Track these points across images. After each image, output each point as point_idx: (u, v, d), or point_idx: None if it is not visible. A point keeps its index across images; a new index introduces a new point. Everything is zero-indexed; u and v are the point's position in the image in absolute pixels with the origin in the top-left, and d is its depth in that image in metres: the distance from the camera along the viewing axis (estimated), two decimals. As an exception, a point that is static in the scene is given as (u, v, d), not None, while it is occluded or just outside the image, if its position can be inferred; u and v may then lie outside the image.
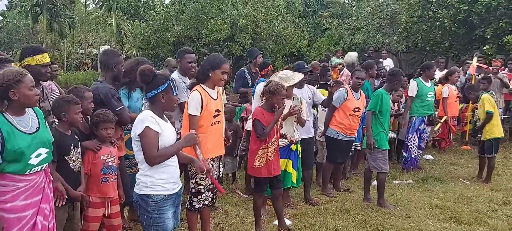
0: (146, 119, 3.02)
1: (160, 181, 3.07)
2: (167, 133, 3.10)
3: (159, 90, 3.07)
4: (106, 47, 30.91)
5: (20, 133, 2.82)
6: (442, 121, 8.10)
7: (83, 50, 30.05)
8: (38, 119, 2.99)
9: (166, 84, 3.07)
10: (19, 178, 2.84)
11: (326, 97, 5.97)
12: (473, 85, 7.62)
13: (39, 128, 2.95)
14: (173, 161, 3.18)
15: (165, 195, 3.10)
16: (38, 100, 2.95)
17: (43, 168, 2.98)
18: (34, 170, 2.91)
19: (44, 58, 3.86)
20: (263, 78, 6.06)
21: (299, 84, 5.68)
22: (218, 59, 4.19)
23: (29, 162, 2.85)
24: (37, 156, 2.88)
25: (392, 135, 7.32)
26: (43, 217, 2.98)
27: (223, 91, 5.32)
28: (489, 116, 6.95)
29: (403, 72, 6.10)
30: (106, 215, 3.86)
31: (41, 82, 3.88)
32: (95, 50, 30.81)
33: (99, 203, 3.82)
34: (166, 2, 19.46)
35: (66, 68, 25.67)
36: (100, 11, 29.55)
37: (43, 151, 2.93)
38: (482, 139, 7.13)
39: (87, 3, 30.53)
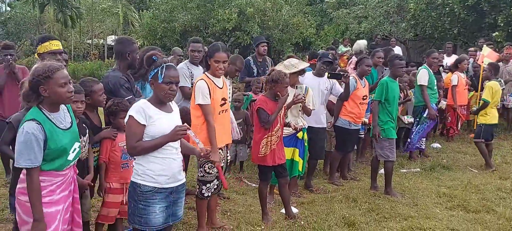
0: (134, 107, 2.96)
1: (150, 172, 2.96)
2: (159, 123, 2.96)
3: (150, 76, 3.02)
4: (113, 37, 30.98)
5: (60, 130, 2.79)
6: (438, 106, 8.06)
7: (90, 40, 30.12)
8: (69, 113, 2.97)
9: (154, 71, 2.98)
10: (56, 174, 2.82)
11: None
12: (496, 64, 7.55)
13: (72, 122, 2.94)
14: (171, 154, 3.05)
15: (155, 187, 2.97)
16: (71, 98, 2.86)
17: (75, 162, 3.00)
18: (70, 165, 2.91)
19: (51, 45, 3.94)
20: (310, 68, 6.07)
21: (318, 74, 5.67)
22: (213, 48, 4.14)
23: (68, 158, 2.85)
24: (73, 151, 2.89)
25: (410, 119, 7.28)
26: (78, 214, 3.06)
27: (230, 82, 5.34)
28: (484, 104, 6.99)
29: (399, 54, 6.02)
30: (124, 201, 3.88)
31: None
32: (102, 40, 30.85)
33: (119, 189, 3.88)
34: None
35: (73, 58, 25.75)
36: (107, 1, 29.53)
37: (77, 146, 2.93)
38: (477, 123, 7.19)
39: (94, -7, 30.50)
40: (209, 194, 4.26)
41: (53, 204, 2.79)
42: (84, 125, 3.62)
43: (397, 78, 5.86)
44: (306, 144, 5.36)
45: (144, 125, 2.94)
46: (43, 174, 2.73)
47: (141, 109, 2.94)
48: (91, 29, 30.10)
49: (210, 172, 4.19)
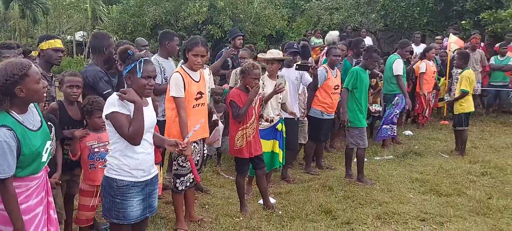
0: (113, 102, 2.90)
1: (125, 166, 2.95)
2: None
3: (126, 71, 2.98)
4: (81, 33, 30.33)
5: (32, 132, 2.57)
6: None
7: (58, 36, 29.45)
8: (37, 111, 2.74)
9: (132, 66, 2.94)
10: (32, 177, 2.64)
11: None
12: (466, 53, 7.70)
13: (41, 121, 2.71)
14: (144, 148, 3.04)
15: (131, 181, 2.98)
16: (45, 94, 2.68)
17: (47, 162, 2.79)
18: (44, 166, 2.74)
19: (56, 43, 4.02)
20: None
21: (287, 65, 5.69)
22: (191, 41, 4.15)
23: (42, 160, 2.66)
24: (45, 152, 2.69)
25: (378, 107, 7.40)
26: (53, 210, 2.86)
27: (210, 73, 5.30)
28: (463, 94, 7.10)
29: (376, 48, 6.13)
30: (94, 205, 3.80)
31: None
32: (69, 36, 30.20)
33: (89, 192, 3.79)
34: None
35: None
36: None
37: (48, 145, 2.73)
38: (454, 113, 7.32)
39: (61, -12, 29.79)
40: (183, 187, 4.25)
41: (31, 210, 2.63)
42: (49, 122, 3.51)
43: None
44: (284, 135, 5.39)
45: (129, 115, 2.91)
46: (18, 180, 2.54)
47: (121, 104, 2.90)
48: (59, 25, 29.39)
49: (183, 165, 4.18)
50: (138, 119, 2.90)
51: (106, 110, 2.92)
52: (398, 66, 7.48)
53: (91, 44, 4.31)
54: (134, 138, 2.92)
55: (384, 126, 7.51)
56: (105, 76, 4.10)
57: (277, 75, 5.10)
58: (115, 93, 3.00)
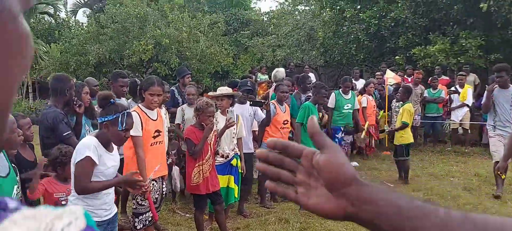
0: (89, 147, 2.90)
1: (89, 207, 2.96)
2: (105, 163, 2.99)
3: (105, 119, 3.01)
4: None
5: (2, 178, 2.56)
6: (365, 127, 8.68)
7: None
8: (5, 157, 2.74)
9: (113, 117, 2.99)
10: None
11: None
12: (409, 87, 8.20)
13: (8, 166, 2.70)
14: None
15: (96, 221, 2.99)
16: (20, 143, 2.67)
17: None
18: None
19: None
20: None
21: (241, 102, 5.86)
22: (148, 81, 4.25)
23: None
24: (14, 196, 2.64)
25: None
26: None
27: (166, 113, 5.36)
28: (403, 125, 7.57)
29: (324, 85, 6.50)
30: None
31: None
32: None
33: None
34: (83, 23, 18.84)
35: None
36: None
37: (16, 190, 2.71)
38: (395, 144, 7.76)
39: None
40: (142, 226, 4.22)
41: None
42: (13, 165, 3.43)
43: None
44: (240, 171, 5.48)
45: (96, 164, 2.92)
46: None
47: (95, 150, 2.92)
48: (-8, 65, 27.98)
49: (142, 204, 4.17)
50: (108, 185, 2.96)
51: (79, 154, 2.88)
52: (330, 99, 7.95)
53: (53, 86, 4.29)
54: (85, 193, 2.93)
55: None
56: (65, 118, 4.09)
57: (227, 111, 5.27)
58: (91, 137, 3.01)
